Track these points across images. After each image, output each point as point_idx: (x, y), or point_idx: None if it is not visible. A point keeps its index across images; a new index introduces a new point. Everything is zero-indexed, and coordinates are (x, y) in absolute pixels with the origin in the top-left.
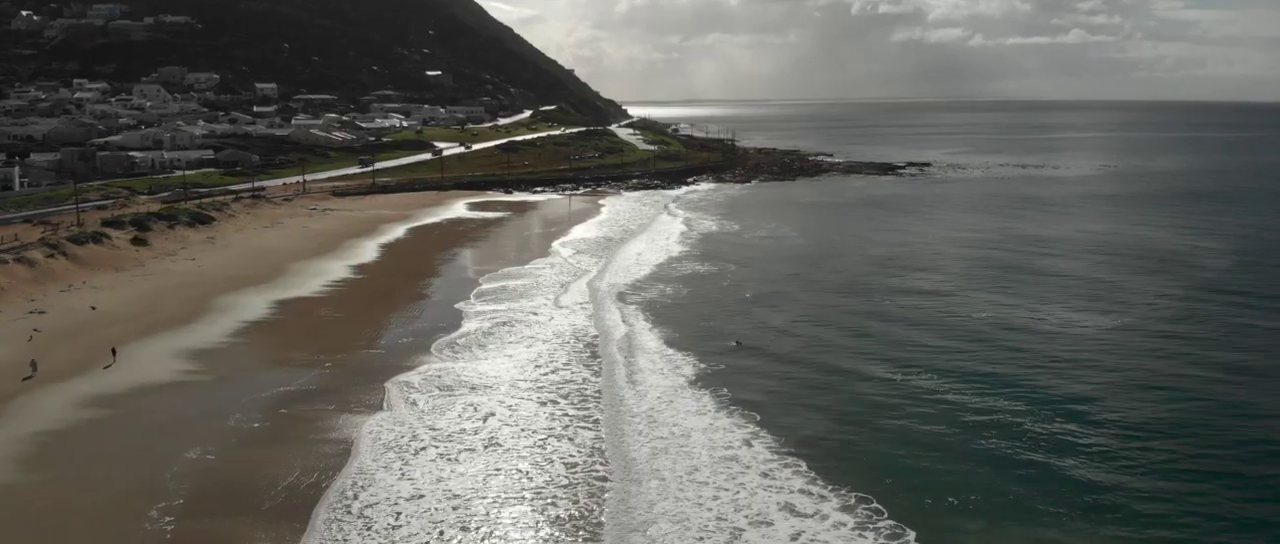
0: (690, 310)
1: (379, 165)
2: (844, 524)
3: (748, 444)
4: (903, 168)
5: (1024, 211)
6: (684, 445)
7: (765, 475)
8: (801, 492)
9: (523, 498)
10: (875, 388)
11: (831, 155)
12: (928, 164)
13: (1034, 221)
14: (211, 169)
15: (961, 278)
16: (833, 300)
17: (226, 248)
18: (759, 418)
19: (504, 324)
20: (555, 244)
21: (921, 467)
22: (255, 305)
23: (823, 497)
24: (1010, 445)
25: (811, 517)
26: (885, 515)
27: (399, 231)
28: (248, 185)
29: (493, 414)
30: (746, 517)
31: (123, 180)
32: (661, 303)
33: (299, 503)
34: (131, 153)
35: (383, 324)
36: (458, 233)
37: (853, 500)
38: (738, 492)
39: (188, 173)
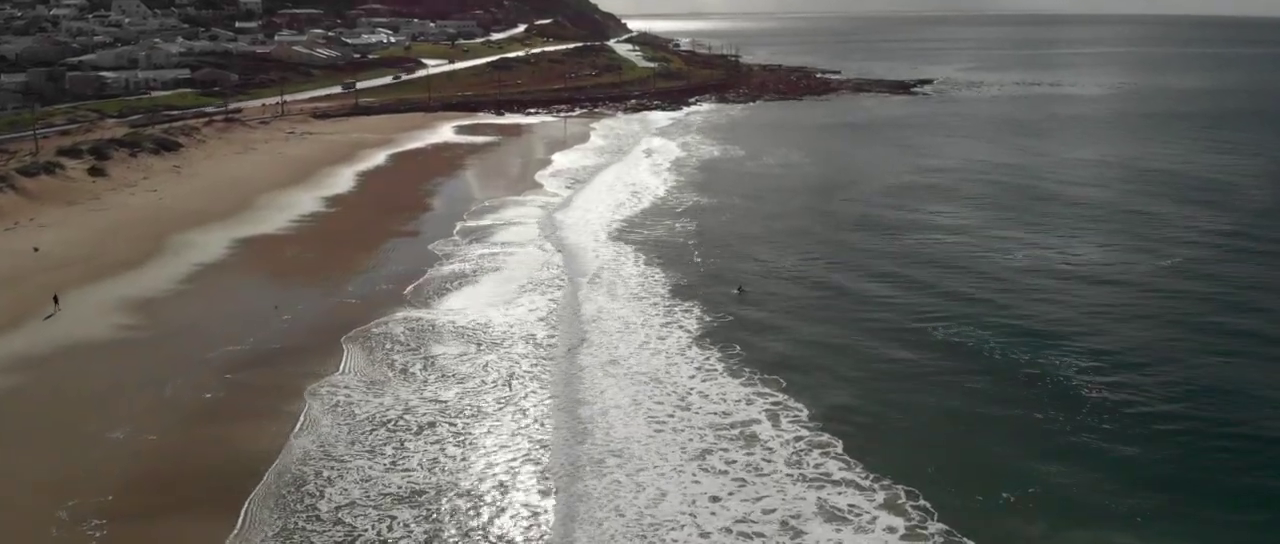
0: (691, 251)
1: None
2: (894, 531)
3: (770, 419)
4: (915, 86)
5: (1045, 134)
6: (689, 421)
7: (793, 463)
8: (847, 484)
9: (485, 491)
10: (902, 348)
11: (839, 72)
12: (940, 82)
13: (1056, 144)
14: (188, 89)
15: (988, 211)
16: (847, 239)
17: (192, 177)
18: (774, 385)
19: (488, 268)
20: (546, 173)
21: (966, 450)
22: (213, 245)
23: (864, 489)
24: (1065, 422)
25: (853, 520)
26: (935, 517)
27: (379, 158)
28: (221, 107)
29: (476, 378)
30: (778, 520)
31: (93, 102)
32: (659, 242)
33: (250, 499)
34: (104, 73)
35: (353, 267)
36: (443, 159)
37: (901, 495)
38: (760, 484)
39: (162, 93)
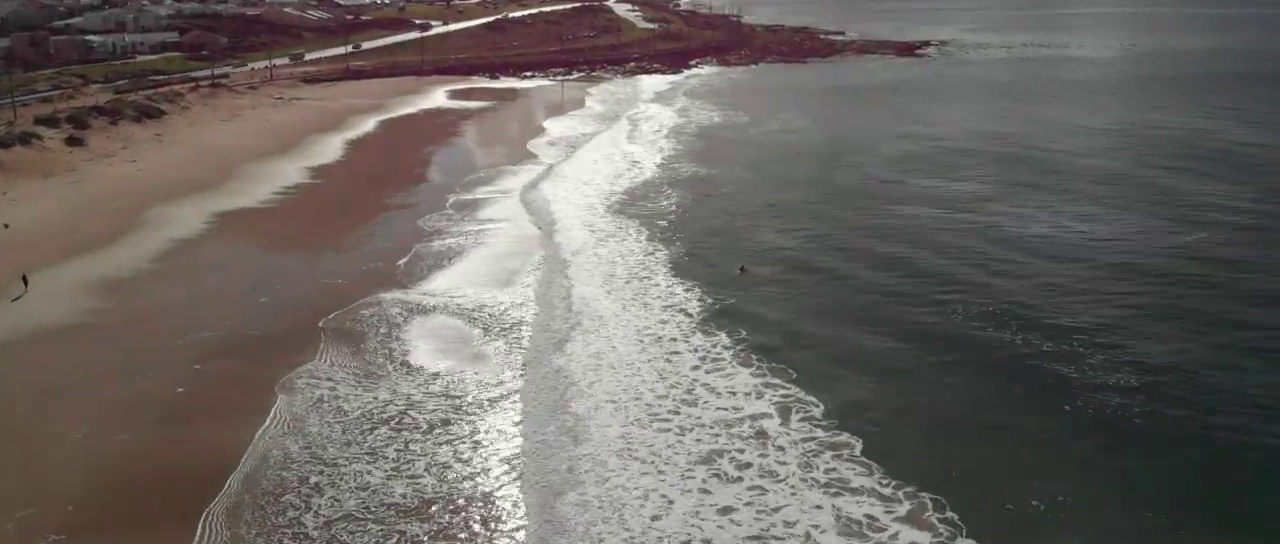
0: (691, 226)
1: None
2: None
3: (780, 416)
4: (920, 48)
5: (1054, 99)
6: (697, 418)
7: (808, 466)
8: (867, 492)
9: (464, 501)
10: (916, 335)
11: (843, 33)
12: (945, 43)
13: (1067, 110)
14: (176, 53)
15: (1001, 181)
16: (853, 213)
17: (174, 146)
18: (783, 375)
19: (480, 246)
20: (542, 142)
21: (992, 451)
22: (190, 219)
23: (885, 498)
24: (1093, 419)
25: (873, 537)
26: (964, 532)
27: (369, 125)
28: (208, 72)
29: (461, 369)
30: (797, 534)
31: (78, 67)
32: (658, 216)
33: (219, 511)
34: (90, 37)
35: (337, 243)
36: (435, 126)
37: (927, 504)
38: (774, 492)
39: (149, 57)
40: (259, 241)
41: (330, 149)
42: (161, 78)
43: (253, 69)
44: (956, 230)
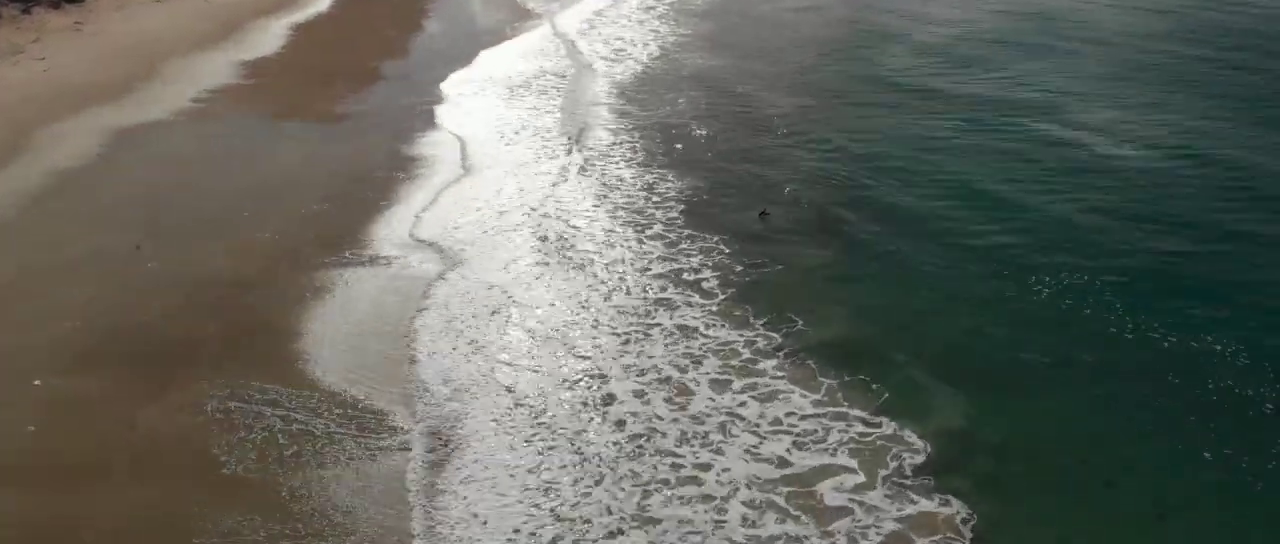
0: (695, 149)
1: None
2: None
3: (865, 472)
4: None
5: None
6: (730, 475)
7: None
8: None
9: None
10: (1031, 311)
11: None
12: None
13: None
14: None
15: (1075, 74)
16: (902, 123)
17: (94, 36)
18: (857, 393)
19: (449, 174)
20: (523, 25)
21: (1123, 508)
22: (85, 140)
23: None
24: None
25: None
26: None
27: (324, 3)
28: None
29: (391, 386)
30: None
31: None
32: (654, 130)
33: None
34: None
35: (260, 172)
36: (402, 2)
37: None
38: None
39: None
40: (160, 172)
41: (272, 37)
42: None
43: None
44: (1037, 148)
